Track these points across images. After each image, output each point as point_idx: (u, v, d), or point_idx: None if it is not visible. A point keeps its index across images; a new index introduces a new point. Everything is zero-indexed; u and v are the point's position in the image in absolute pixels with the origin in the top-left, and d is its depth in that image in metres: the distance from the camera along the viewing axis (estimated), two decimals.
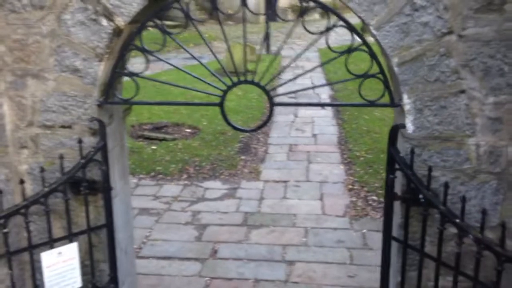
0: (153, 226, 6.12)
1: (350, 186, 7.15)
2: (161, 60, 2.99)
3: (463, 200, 2.41)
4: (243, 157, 8.34)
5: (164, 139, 9.05)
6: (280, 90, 4.45)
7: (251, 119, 10.25)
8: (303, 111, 10.95)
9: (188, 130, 9.65)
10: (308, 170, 7.81)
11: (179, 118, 10.23)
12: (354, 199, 6.78)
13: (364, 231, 5.88)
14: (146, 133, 9.30)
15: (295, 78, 3.11)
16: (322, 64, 3.07)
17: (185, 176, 7.62)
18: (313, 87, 3.77)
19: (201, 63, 2.96)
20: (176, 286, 4.82)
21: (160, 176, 7.62)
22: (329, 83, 3.67)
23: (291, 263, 5.23)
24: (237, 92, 11.74)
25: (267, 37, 17.55)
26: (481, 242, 2.30)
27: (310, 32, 2.52)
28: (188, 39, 16.93)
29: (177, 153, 8.46)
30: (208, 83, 2.90)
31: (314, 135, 9.46)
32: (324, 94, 12.25)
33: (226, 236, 5.81)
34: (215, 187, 7.25)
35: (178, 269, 5.12)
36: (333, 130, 9.71)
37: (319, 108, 11.19)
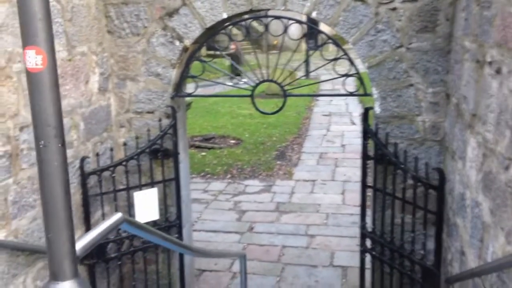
0: (203, 211, 7.56)
1: (370, 184, 8.33)
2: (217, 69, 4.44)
3: (405, 153, 3.69)
4: (278, 162, 9.71)
5: (212, 148, 10.57)
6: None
7: (287, 132, 11.64)
8: (335, 126, 12.25)
9: (233, 141, 11.13)
10: (334, 172, 9.07)
11: (225, 131, 11.76)
12: (370, 194, 7.95)
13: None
14: (197, 143, 10.86)
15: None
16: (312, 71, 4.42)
17: (229, 176, 9.05)
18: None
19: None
20: (221, 248, 6.20)
21: (208, 175, 9.10)
22: (318, 81, 4.97)
23: (312, 236, 6.50)
24: None
25: (306, 63, 19.07)
26: (415, 177, 3.56)
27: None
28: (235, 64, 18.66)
29: (222, 158, 9.94)
30: (244, 82, 4.33)
31: (343, 145, 10.72)
32: (356, 112, 13.49)
33: (261, 218, 7.15)
34: (254, 184, 8.64)
35: (222, 238, 6.50)
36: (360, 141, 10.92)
37: (350, 123, 12.44)
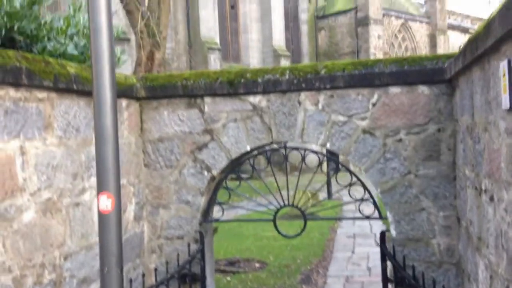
0: None
1: None
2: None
3: (422, 275, 3.84)
4: (304, 286, 9.62)
5: (237, 272, 10.59)
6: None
7: (312, 255, 11.62)
8: (359, 248, 12.20)
9: (257, 265, 11.14)
10: None
11: (249, 254, 11.82)
12: None
13: None
14: (222, 267, 10.90)
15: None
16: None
17: None
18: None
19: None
20: None
21: None
22: (339, 204, 5.25)
23: None
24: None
25: (328, 184, 19.51)
26: None
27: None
28: (258, 189, 19.16)
29: (248, 283, 9.92)
30: (265, 206, 4.66)
31: (369, 268, 10.60)
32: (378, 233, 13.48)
33: None
34: None
35: None
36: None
37: (375, 245, 12.40)
